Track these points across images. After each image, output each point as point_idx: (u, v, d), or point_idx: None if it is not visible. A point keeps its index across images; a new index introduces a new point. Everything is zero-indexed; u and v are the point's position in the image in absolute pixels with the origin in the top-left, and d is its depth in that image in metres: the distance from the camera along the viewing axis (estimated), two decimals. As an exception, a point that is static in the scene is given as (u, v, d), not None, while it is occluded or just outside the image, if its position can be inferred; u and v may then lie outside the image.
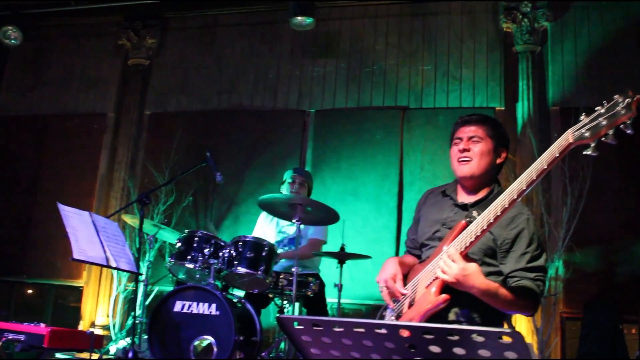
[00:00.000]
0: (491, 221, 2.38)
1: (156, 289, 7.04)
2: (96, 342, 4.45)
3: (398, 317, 2.73)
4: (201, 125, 7.85)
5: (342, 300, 5.22)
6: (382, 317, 2.90)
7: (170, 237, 5.70)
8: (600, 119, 2.08)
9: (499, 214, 2.36)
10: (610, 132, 2.07)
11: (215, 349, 4.39)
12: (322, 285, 5.36)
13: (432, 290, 2.55)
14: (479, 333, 1.41)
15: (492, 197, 2.69)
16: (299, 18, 7.33)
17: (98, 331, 7.05)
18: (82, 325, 7.36)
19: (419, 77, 7.25)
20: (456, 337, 1.44)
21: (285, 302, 5.13)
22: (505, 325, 3.12)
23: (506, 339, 1.39)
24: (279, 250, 5.40)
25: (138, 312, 5.35)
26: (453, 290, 2.51)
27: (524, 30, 6.85)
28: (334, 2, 7.70)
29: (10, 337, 4.16)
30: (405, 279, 2.85)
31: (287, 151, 7.40)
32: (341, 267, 5.22)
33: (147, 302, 5.94)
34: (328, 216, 4.92)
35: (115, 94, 8.30)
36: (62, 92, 8.54)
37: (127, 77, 8.30)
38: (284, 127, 7.55)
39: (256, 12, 8.02)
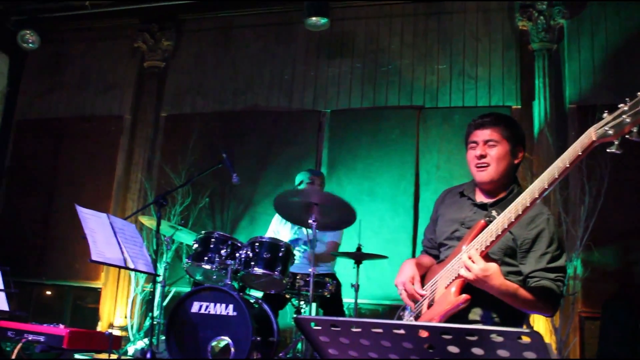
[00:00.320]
0: (512, 220, 2.36)
1: (173, 290, 7.07)
2: (114, 343, 4.47)
3: (417, 318, 2.73)
4: (217, 126, 7.87)
5: (359, 301, 5.22)
6: (400, 318, 2.89)
7: (187, 238, 5.72)
8: (624, 116, 2.05)
9: (520, 213, 2.33)
10: (635, 129, 2.04)
11: (232, 350, 4.40)
12: (338, 285, 5.37)
13: (452, 290, 2.54)
14: (498, 333, 1.41)
15: (512, 196, 2.67)
16: (314, 18, 7.33)
17: (116, 332, 7.09)
18: (101, 326, 7.41)
19: (435, 76, 7.23)
20: (475, 338, 1.44)
21: (302, 302, 5.13)
22: (524, 326, 3.11)
23: (525, 339, 1.39)
24: (295, 252, 5.41)
25: (156, 313, 5.38)
26: (474, 291, 2.50)
27: (539, 28, 6.81)
28: (348, 2, 7.69)
29: (30, 338, 4.19)
30: (423, 279, 2.84)
31: (303, 152, 7.41)
32: (358, 267, 5.22)
33: (164, 303, 5.97)
34: (343, 218, 4.91)
35: (132, 96, 8.35)
36: (79, 94, 8.61)
37: (143, 79, 8.34)
38: (300, 127, 7.55)
39: (271, 13, 8.03)
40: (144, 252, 4.59)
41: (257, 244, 4.85)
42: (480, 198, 2.86)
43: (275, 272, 4.72)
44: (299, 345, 4.97)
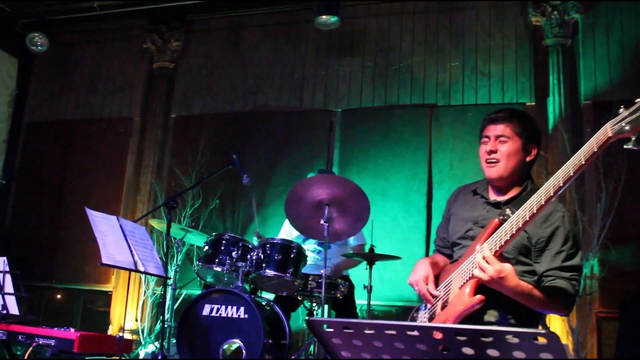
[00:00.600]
0: (527, 219, 2.34)
1: (184, 292, 7.09)
2: (125, 347, 4.48)
3: (431, 319, 2.72)
4: (227, 127, 7.88)
5: (371, 302, 5.20)
6: (413, 319, 2.88)
7: (198, 240, 5.74)
8: None
9: (535, 211, 2.31)
10: None
11: (244, 353, 4.40)
12: (351, 287, 5.36)
13: (467, 290, 2.52)
14: (513, 334, 1.40)
15: (526, 194, 2.64)
16: (324, 17, 7.33)
17: (127, 336, 7.10)
18: (111, 330, 7.44)
19: (447, 73, 7.20)
20: (490, 339, 1.43)
21: (314, 304, 5.13)
22: (540, 327, 3.09)
23: (541, 340, 1.37)
24: (311, 255, 5.42)
25: (167, 316, 5.39)
26: (489, 292, 2.49)
27: (553, 23, 6.76)
28: (358, 0, 7.68)
29: (40, 342, 4.22)
30: (437, 279, 2.83)
31: (314, 152, 7.40)
32: (370, 268, 5.20)
33: (175, 306, 5.98)
34: (358, 210, 4.89)
35: (141, 97, 8.38)
36: (88, 96, 8.66)
37: (152, 81, 8.37)
38: (311, 127, 7.55)
39: (280, 12, 8.03)
40: (155, 255, 4.60)
41: (268, 245, 4.85)
42: (493, 196, 2.85)
43: (287, 274, 4.72)
44: (311, 348, 4.97)
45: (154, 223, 5.84)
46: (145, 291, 7.35)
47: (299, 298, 5.20)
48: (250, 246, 4.93)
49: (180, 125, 8.18)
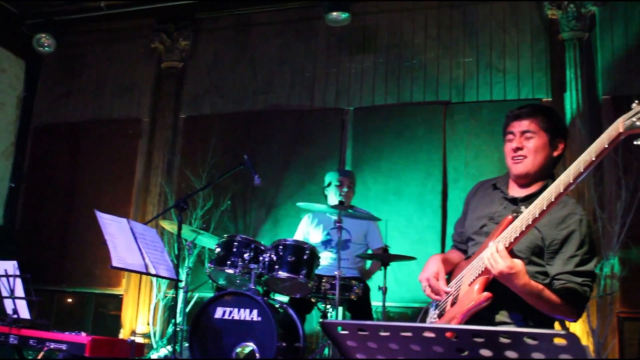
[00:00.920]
0: (536, 216, 2.34)
1: (196, 295, 7.11)
2: (137, 351, 4.50)
3: (441, 316, 2.72)
4: (237, 127, 7.90)
5: (387, 304, 5.20)
6: (425, 315, 2.89)
7: (209, 242, 5.76)
8: None
9: (544, 208, 2.31)
10: None
11: (257, 356, 4.41)
12: (366, 288, 5.36)
13: (476, 287, 2.52)
14: (532, 335, 1.40)
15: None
16: (334, 14, 7.33)
17: (139, 339, 7.15)
18: (123, 334, 7.48)
19: (461, 70, 7.18)
20: (508, 340, 1.43)
21: (328, 306, 5.13)
22: (559, 327, 3.08)
23: (561, 341, 1.37)
24: (327, 253, 5.43)
25: (178, 319, 5.42)
26: (501, 290, 2.48)
27: (570, 17, 6.72)
28: (369, -4, 7.68)
29: (51, 346, 4.25)
30: (451, 276, 2.83)
31: (326, 151, 7.40)
32: (385, 269, 5.20)
33: (187, 309, 6.01)
34: (369, 216, 4.92)
35: (150, 98, 8.41)
36: (96, 98, 8.69)
37: (161, 81, 8.40)
38: (322, 126, 7.55)
39: (290, 9, 8.03)
40: (166, 258, 4.62)
41: (280, 247, 4.86)
42: (513, 191, 2.84)
43: (300, 276, 4.72)
44: (326, 351, 4.98)
45: (164, 224, 5.86)
46: (156, 294, 7.37)
47: (313, 300, 5.21)
48: (262, 248, 4.94)
49: (190, 125, 8.20)
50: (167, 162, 8.02)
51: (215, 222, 7.25)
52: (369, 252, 5.66)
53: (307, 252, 4.82)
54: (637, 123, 2.05)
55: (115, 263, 4.08)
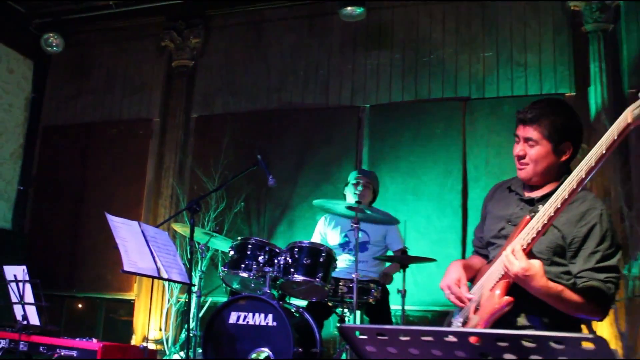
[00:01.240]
0: (552, 214, 2.33)
1: (209, 300, 7.13)
2: (149, 357, 4.53)
3: (464, 324, 2.71)
4: (250, 126, 7.91)
5: (406, 307, 5.19)
6: (450, 325, 2.87)
7: (223, 245, 5.76)
8: None
9: (559, 205, 2.31)
10: None
11: (273, 362, 4.41)
12: (384, 291, 5.35)
13: (497, 292, 2.51)
14: (558, 339, 1.38)
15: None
16: (349, 8, 7.33)
17: (151, 346, 7.18)
18: (135, 340, 7.51)
19: (480, 64, 7.15)
20: (533, 344, 1.42)
21: (345, 310, 5.12)
22: (586, 330, 3.05)
23: (588, 345, 1.36)
24: (344, 257, 5.42)
25: (192, 324, 5.43)
26: (521, 293, 2.47)
27: (594, 8, 6.66)
28: (385, -11, 7.67)
29: (62, 353, 4.28)
30: (473, 282, 2.82)
31: (342, 150, 7.40)
32: (404, 271, 5.18)
33: (200, 314, 6.02)
34: (387, 218, 4.91)
35: (160, 97, 8.45)
36: (106, 98, 8.75)
37: (171, 80, 8.43)
38: (338, 124, 7.54)
39: (303, 4, 8.04)
40: (178, 261, 4.63)
41: (296, 249, 4.85)
42: (528, 192, 2.83)
43: (317, 279, 4.71)
44: (344, 356, 4.97)
45: (176, 227, 5.88)
46: (169, 299, 7.40)
47: (330, 304, 5.20)
48: (277, 250, 4.94)
49: (202, 125, 8.23)
50: (179, 163, 8.05)
51: (228, 224, 7.27)
52: (389, 253, 5.65)
53: (323, 254, 4.81)
54: None
55: (126, 267, 4.10)
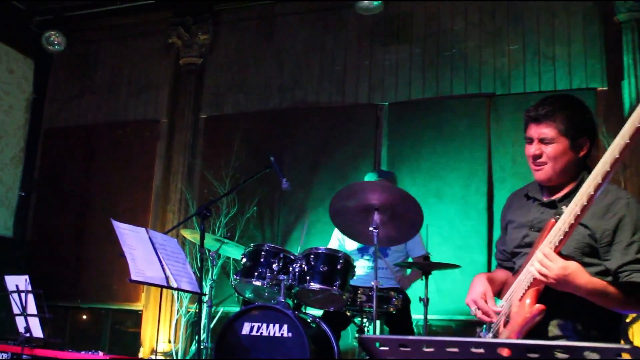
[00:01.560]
0: (578, 213, 2.33)
1: (221, 310, 7.14)
2: (159, 371, 4.54)
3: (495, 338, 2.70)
4: (262, 126, 7.92)
5: (428, 316, 5.17)
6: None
7: (235, 252, 5.77)
8: None
9: (585, 203, 2.30)
10: None
11: (289, 375, 4.41)
12: (406, 300, 5.33)
13: (527, 302, 2.50)
14: (593, 349, 1.37)
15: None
16: (366, 1, 7.32)
17: (160, 358, 7.20)
18: (143, 353, 7.52)
19: (506, 58, 7.12)
20: (566, 355, 1.40)
21: (364, 320, 5.11)
22: (622, 341, 3.03)
23: (625, 356, 1.35)
24: (362, 264, 5.42)
25: (202, 336, 5.44)
26: (552, 301, 2.45)
27: (627, -4, 6.64)
28: (403, -20, 7.66)
29: (67, 367, 4.30)
30: (499, 296, 2.81)
31: (360, 151, 7.39)
32: (426, 278, 5.16)
33: (211, 325, 6.03)
34: (410, 219, 4.87)
35: (168, 97, 8.48)
36: (111, 98, 8.79)
37: (179, 79, 8.45)
38: (355, 124, 7.54)
39: (317, -3, 8.06)
40: (188, 269, 4.64)
41: (312, 256, 4.84)
42: (547, 196, 2.82)
43: (334, 287, 4.70)
44: (363, 369, 4.96)
45: (186, 234, 5.89)
46: (178, 309, 7.41)
47: (348, 314, 5.19)
48: (292, 257, 4.93)
49: (211, 126, 8.25)
50: (188, 166, 8.07)
51: (240, 231, 7.28)
52: (410, 260, 5.63)
53: (341, 261, 4.80)
54: None
55: (133, 276, 4.11)
